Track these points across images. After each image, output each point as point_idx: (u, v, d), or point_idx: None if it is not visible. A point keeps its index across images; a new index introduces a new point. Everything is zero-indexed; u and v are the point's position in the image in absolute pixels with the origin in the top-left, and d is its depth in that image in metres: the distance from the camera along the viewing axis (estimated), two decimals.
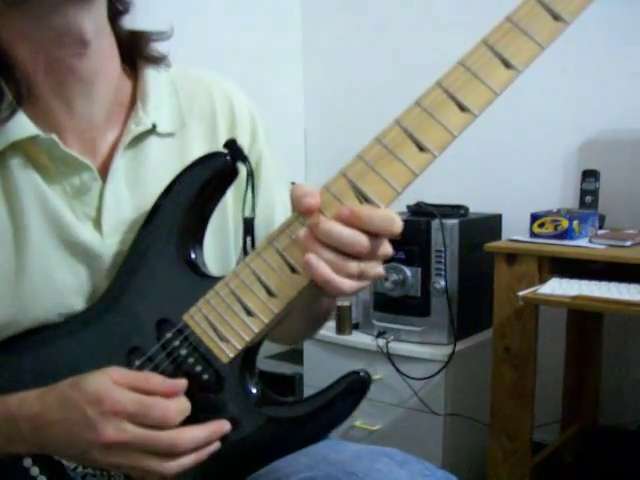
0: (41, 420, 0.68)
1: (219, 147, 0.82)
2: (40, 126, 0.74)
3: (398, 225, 0.64)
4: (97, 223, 0.77)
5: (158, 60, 0.82)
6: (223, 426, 0.70)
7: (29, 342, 0.75)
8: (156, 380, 0.69)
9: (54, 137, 0.73)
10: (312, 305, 0.81)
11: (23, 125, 0.73)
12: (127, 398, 0.66)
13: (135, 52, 0.82)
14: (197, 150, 0.82)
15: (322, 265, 0.64)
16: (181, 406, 0.68)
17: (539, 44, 0.63)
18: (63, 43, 0.72)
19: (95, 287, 0.77)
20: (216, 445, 0.70)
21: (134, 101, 0.80)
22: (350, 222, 0.64)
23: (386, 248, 0.67)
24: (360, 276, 0.66)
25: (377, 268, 0.67)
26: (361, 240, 0.64)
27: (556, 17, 0.63)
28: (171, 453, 0.67)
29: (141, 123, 0.78)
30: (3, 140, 0.72)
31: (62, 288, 0.75)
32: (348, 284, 0.65)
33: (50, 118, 0.75)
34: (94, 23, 0.73)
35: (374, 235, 0.65)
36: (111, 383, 0.67)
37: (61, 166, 0.75)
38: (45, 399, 0.69)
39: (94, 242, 0.76)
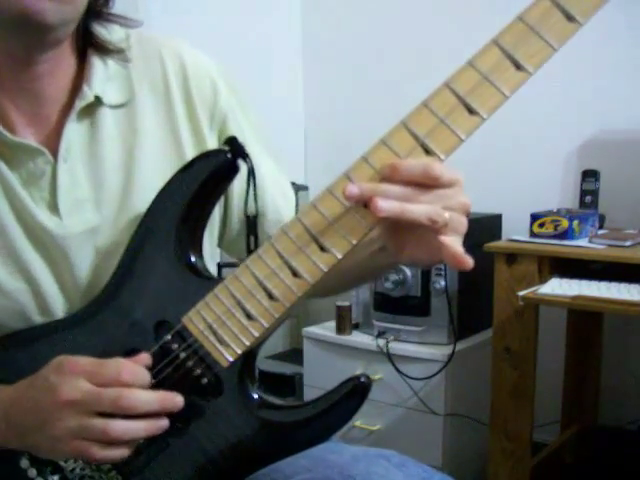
0: (13, 404, 0.70)
1: (174, 116, 0.81)
2: None
3: (434, 168, 0.62)
4: (54, 205, 0.76)
5: (111, 52, 0.79)
6: (175, 397, 0.69)
7: (24, 341, 0.75)
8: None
9: None
10: (368, 264, 0.77)
11: None
12: (86, 359, 0.68)
13: (87, 42, 0.79)
14: (149, 119, 0.80)
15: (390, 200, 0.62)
16: (139, 369, 0.68)
17: (551, 45, 0.60)
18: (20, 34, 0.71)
19: (66, 271, 0.77)
20: (165, 423, 0.68)
21: (82, 70, 0.79)
22: (391, 175, 0.63)
23: (461, 197, 0.64)
24: (448, 227, 0.63)
25: (461, 219, 0.65)
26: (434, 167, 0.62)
27: (570, 18, 0.60)
28: (117, 410, 0.66)
29: (84, 98, 0.77)
30: None
31: (33, 272, 0.76)
32: (422, 208, 0.62)
33: None
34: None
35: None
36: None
37: (15, 152, 0.75)
38: (18, 385, 0.70)
39: (52, 225, 0.76)
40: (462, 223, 0.66)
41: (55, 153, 0.76)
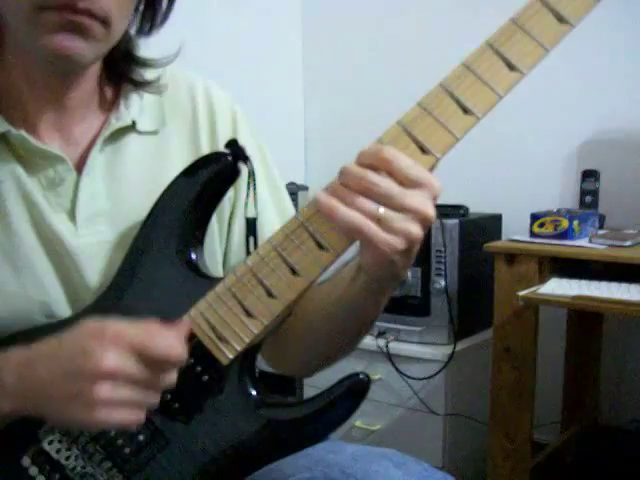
0: (30, 366, 0.66)
1: (200, 146, 0.84)
2: (13, 119, 0.75)
3: (384, 151, 0.62)
4: (71, 214, 0.78)
5: (145, 86, 0.82)
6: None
7: (29, 337, 0.75)
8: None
9: (23, 133, 0.75)
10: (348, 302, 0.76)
11: None
12: (131, 327, 0.65)
13: (122, 76, 0.82)
14: (177, 149, 0.83)
15: (332, 199, 0.62)
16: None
17: (543, 46, 0.63)
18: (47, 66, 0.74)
19: (75, 280, 0.77)
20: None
21: (117, 97, 0.82)
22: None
23: (417, 200, 0.61)
24: (382, 223, 0.61)
25: (406, 223, 0.61)
26: (367, 174, 0.61)
27: (561, 19, 0.62)
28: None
29: (121, 118, 0.80)
30: None
31: (42, 278, 0.76)
32: (371, 227, 0.61)
33: (24, 112, 0.77)
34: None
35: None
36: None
37: (36, 158, 0.76)
38: (38, 346, 0.67)
39: (68, 233, 0.77)
40: (405, 227, 0.62)
41: (79, 164, 0.78)
